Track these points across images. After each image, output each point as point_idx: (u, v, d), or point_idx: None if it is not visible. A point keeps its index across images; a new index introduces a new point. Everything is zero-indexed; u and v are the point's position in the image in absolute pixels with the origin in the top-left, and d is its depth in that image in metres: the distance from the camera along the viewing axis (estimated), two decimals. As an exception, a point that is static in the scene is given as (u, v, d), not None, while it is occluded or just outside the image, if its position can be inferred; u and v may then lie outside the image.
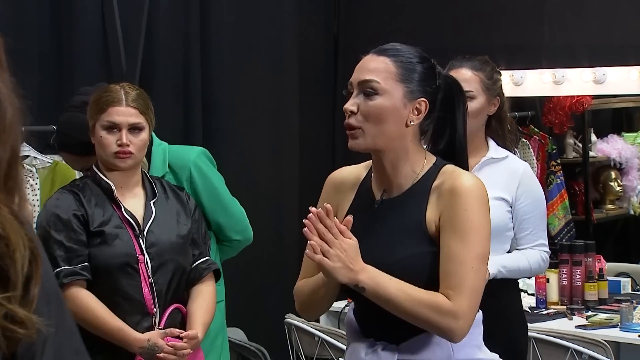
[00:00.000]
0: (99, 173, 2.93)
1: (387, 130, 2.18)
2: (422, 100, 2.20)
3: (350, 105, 2.20)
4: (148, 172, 3.08)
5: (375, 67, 2.20)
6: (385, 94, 2.18)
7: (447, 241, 2.14)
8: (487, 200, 2.18)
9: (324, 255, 2.09)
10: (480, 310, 2.26)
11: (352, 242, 2.10)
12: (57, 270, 2.82)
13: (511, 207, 3.23)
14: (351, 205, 2.30)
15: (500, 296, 3.09)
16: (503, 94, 3.34)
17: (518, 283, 3.36)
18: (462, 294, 2.10)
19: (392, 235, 2.19)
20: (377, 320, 2.23)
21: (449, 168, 2.22)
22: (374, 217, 2.24)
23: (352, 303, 2.37)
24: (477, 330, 2.25)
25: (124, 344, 2.81)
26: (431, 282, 2.15)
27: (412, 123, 2.20)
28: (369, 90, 2.18)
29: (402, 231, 2.18)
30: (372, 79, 2.19)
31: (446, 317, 2.09)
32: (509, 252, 3.27)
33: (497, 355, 2.29)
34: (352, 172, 2.36)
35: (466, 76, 3.24)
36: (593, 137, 5.81)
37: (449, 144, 2.28)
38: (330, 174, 2.40)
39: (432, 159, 2.25)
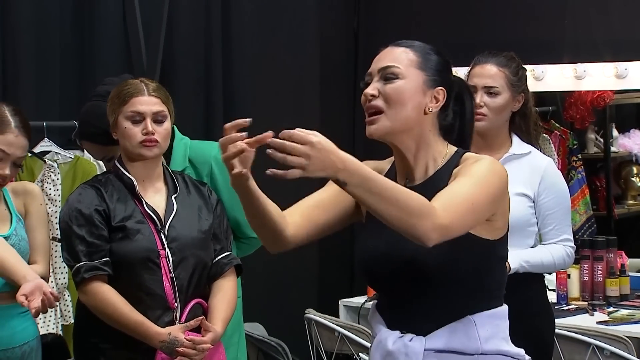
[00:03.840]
0: (121, 168, 2.95)
1: (406, 115, 2.21)
2: (441, 89, 2.25)
3: (371, 90, 2.22)
4: (168, 166, 3.09)
5: (396, 55, 2.26)
6: (405, 79, 2.22)
7: (452, 183, 2.15)
8: (505, 179, 2.19)
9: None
10: (505, 304, 2.27)
11: (317, 140, 1.93)
12: (78, 265, 2.84)
13: (534, 202, 3.23)
14: None
15: (524, 290, 3.09)
16: (528, 90, 3.33)
17: (543, 277, 3.35)
18: (448, 199, 2.07)
19: None
20: (403, 312, 2.24)
21: (470, 154, 2.27)
22: None
23: (375, 298, 2.37)
24: (504, 324, 2.26)
25: (144, 338, 2.82)
26: (456, 260, 2.16)
27: (430, 111, 2.23)
28: (389, 75, 2.22)
29: None
30: (393, 65, 2.23)
31: (424, 208, 2.00)
32: (533, 247, 3.27)
33: (522, 350, 2.29)
34: (375, 166, 2.37)
35: (491, 72, 3.24)
36: (614, 132, 5.77)
37: (459, 138, 2.32)
38: None
39: (453, 149, 2.29)
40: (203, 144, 3.28)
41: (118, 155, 3.00)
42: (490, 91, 3.23)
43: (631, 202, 5.87)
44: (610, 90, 5.26)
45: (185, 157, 3.19)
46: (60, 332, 3.82)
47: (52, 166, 3.93)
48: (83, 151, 4.03)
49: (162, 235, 2.89)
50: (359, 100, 6.35)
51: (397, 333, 2.23)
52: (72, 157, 4.01)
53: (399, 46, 2.27)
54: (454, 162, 2.24)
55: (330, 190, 2.29)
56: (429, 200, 2.06)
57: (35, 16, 4.23)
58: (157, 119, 2.90)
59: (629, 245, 5.07)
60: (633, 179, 5.84)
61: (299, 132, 1.92)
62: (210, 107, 4.89)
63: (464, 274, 2.17)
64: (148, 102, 2.89)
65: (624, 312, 4.20)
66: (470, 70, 3.31)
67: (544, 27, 5.01)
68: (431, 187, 2.20)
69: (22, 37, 4.19)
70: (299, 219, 2.24)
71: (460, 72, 4.92)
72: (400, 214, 1.98)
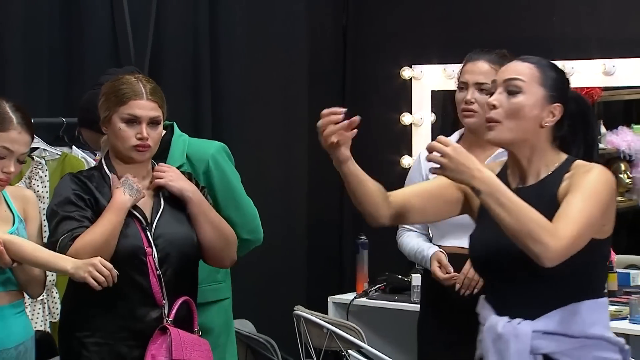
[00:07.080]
0: (105, 168, 2.94)
1: (523, 128, 2.41)
2: (558, 106, 2.43)
3: (493, 100, 2.42)
4: (166, 162, 3.08)
5: (521, 69, 2.44)
6: (527, 94, 2.41)
7: (567, 197, 2.32)
8: (614, 186, 2.35)
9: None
10: (606, 297, 2.45)
11: (457, 145, 2.30)
12: (62, 237, 2.80)
13: None
14: None
15: None
16: None
17: None
18: (567, 221, 2.26)
19: None
20: (514, 300, 2.40)
21: (581, 162, 2.43)
22: None
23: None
24: (606, 313, 2.45)
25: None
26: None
27: (546, 125, 2.42)
28: (513, 88, 2.42)
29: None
30: (518, 77, 2.42)
31: (544, 231, 2.23)
32: None
33: (622, 339, 2.43)
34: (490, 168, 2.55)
35: (483, 69, 3.24)
36: (602, 129, 5.78)
37: (585, 155, 2.49)
38: None
39: (564, 156, 2.46)
40: (201, 142, 3.29)
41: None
42: (481, 88, 3.22)
43: (619, 198, 5.87)
44: (599, 87, 5.28)
45: (183, 153, 3.19)
46: (48, 329, 3.81)
47: (40, 163, 3.92)
48: (71, 148, 4.03)
49: (148, 233, 2.88)
50: (348, 98, 6.36)
51: (506, 318, 2.40)
52: (60, 154, 4.00)
53: (523, 61, 2.45)
54: (564, 168, 2.42)
55: (434, 183, 2.56)
56: (543, 203, 2.30)
57: (23, 13, 4.22)
58: (152, 123, 2.89)
59: (617, 241, 5.08)
60: (621, 175, 5.84)
61: (443, 138, 2.30)
62: (199, 104, 4.89)
63: (574, 268, 2.32)
64: (146, 106, 2.88)
65: (611, 308, 4.21)
66: (462, 67, 3.31)
67: (532, 24, 5.02)
68: (541, 189, 2.41)
69: (10, 33, 4.18)
70: (399, 201, 2.50)
71: (448, 69, 4.95)
72: (522, 229, 2.24)
